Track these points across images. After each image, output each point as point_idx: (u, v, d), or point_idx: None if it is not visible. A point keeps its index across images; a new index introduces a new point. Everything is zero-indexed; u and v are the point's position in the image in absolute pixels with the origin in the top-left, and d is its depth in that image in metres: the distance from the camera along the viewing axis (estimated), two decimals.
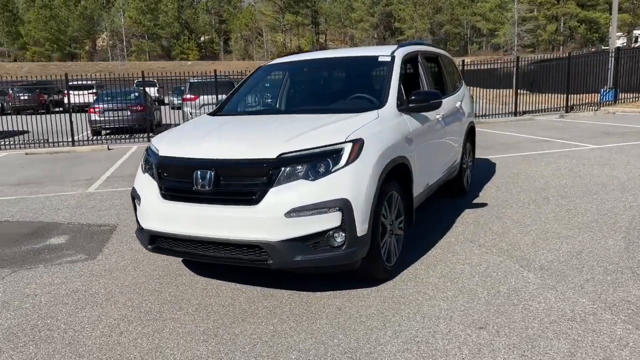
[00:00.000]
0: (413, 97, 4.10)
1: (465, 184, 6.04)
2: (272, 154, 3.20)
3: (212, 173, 3.26)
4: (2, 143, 13.76)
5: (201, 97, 14.55)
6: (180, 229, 3.34)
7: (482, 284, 3.57)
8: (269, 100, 4.86)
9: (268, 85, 5.00)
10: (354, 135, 3.35)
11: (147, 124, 14.73)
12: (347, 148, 3.26)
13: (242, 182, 3.24)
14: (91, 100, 18.85)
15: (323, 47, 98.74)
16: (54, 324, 3.24)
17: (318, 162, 3.21)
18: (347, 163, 3.23)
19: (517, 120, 15.53)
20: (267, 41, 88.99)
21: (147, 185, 3.61)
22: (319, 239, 3.17)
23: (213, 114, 4.59)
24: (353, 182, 3.20)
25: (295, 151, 3.21)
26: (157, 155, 3.62)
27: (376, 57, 4.49)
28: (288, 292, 3.56)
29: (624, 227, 4.69)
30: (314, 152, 3.22)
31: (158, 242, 3.53)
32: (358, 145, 3.31)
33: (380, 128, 3.63)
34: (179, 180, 3.42)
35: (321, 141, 3.27)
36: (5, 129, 16.15)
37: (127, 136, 14.96)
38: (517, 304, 3.23)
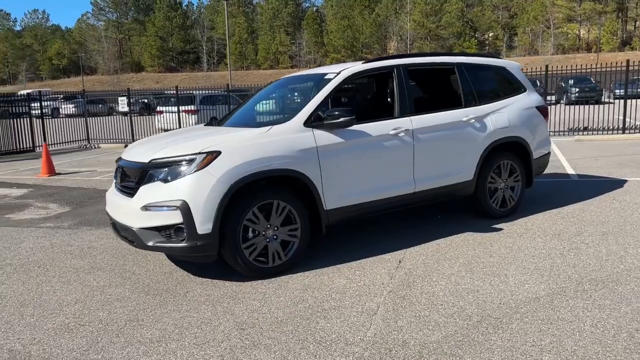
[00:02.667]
0: (326, 114, 4.27)
1: (493, 206, 5.41)
2: (146, 159, 4.07)
3: (121, 171, 4.33)
4: None
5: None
6: (111, 213, 4.51)
7: (312, 298, 3.66)
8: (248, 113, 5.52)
9: (269, 99, 5.66)
10: (212, 147, 3.92)
11: None
12: (199, 158, 3.88)
13: (131, 180, 4.21)
14: None
15: (630, 37, 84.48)
16: (48, 264, 4.82)
17: (175, 168, 3.93)
18: (195, 170, 3.85)
19: None
20: (555, 34, 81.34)
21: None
22: (170, 231, 3.90)
23: (207, 123, 5.59)
24: (195, 187, 3.80)
25: (161, 158, 4.00)
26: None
27: (324, 75, 4.71)
28: (186, 275, 4.33)
29: (591, 279, 3.77)
30: (174, 160, 3.95)
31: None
32: (211, 156, 3.88)
33: (257, 142, 4.04)
34: (116, 175, 4.60)
35: (184, 151, 3.97)
36: None
37: None
38: (293, 318, 3.32)
